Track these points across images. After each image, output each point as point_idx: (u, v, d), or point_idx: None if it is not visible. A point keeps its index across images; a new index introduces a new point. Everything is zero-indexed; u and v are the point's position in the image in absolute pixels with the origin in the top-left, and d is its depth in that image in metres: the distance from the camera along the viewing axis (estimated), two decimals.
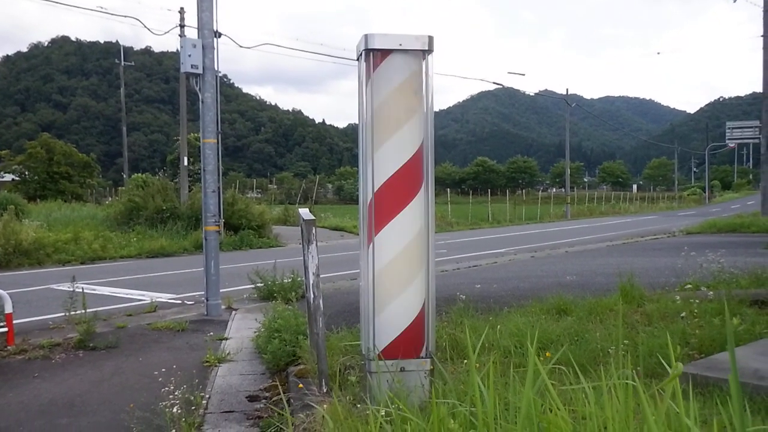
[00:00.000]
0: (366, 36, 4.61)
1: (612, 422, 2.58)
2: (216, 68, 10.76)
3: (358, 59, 4.85)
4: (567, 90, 56.32)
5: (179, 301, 11.75)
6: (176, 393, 5.18)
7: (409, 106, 4.66)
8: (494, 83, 51.30)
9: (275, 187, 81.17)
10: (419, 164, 4.72)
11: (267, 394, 6.08)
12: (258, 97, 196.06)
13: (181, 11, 28.75)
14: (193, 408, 5.37)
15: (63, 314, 8.89)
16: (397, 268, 4.67)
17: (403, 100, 4.65)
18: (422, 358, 4.69)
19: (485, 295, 10.01)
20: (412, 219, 4.69)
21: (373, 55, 4.65)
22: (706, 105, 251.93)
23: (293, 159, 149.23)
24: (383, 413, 3.34)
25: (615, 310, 7.67)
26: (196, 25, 10.77)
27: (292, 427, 4.22)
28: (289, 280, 10.91)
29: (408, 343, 4.69)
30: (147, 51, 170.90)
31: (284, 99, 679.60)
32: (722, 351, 5.74)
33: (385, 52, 4.64)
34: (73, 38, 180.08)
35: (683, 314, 7.12)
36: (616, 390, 2.73)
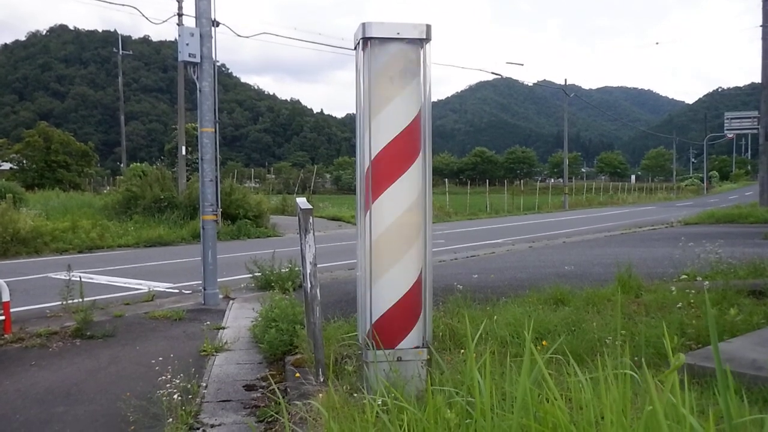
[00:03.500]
0: (363, 24, 4.58)
1: (609, 412, 2.58)
2: (214, 57, 10.72)
3: (355, 48, 4.82)
4: (565, 80, 56.29)
5: (177, 291, 11.74)
6: (173, 382, 5.18)
7: (406, 95, 4.64)
8: (493, 73, 51.30)
9: (273, 176, 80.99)
10: (415, 140, 4.70)
11: (264, 384, 6.07)
12: (256, 87, 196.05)
13: (179, 0, 28.63)
14: (190, 397, 5.37)
15: (60, 303, 8.90)
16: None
17: (401, 89, 4.62)
18: (419, 347, 4.68)
19: (483, 285, 10.01)
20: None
21: (371, 44, 4.62)
22: (705, 95, 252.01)
23: (291, 149, 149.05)
24: (380, 402, 3.33)
25: (612, 301, 7.67)
26: (194, 14, 10.75)
27: (289, 416, 4.21)
28: (287, 270, 10.90)
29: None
30: (145, 40, 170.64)
31: (282, 89, 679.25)
32: (720, 341, 5.74)
33: (382, 41, 4.61)
34: (71, 27, 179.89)
35: (679, 305, 7.12)
36: (614, 379, 2.72)
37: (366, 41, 4.61)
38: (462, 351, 5.36)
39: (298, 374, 5.67)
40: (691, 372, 4.60)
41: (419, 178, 4.70)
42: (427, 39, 4.65)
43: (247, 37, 25.33)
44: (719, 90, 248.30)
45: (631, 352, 5.20)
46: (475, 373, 2.91)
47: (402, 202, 4.62)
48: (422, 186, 4.73)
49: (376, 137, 4.62)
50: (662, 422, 2.18)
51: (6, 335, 7.97)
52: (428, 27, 4.63)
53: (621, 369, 2.83)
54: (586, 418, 2.65)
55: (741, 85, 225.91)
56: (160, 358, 6.74)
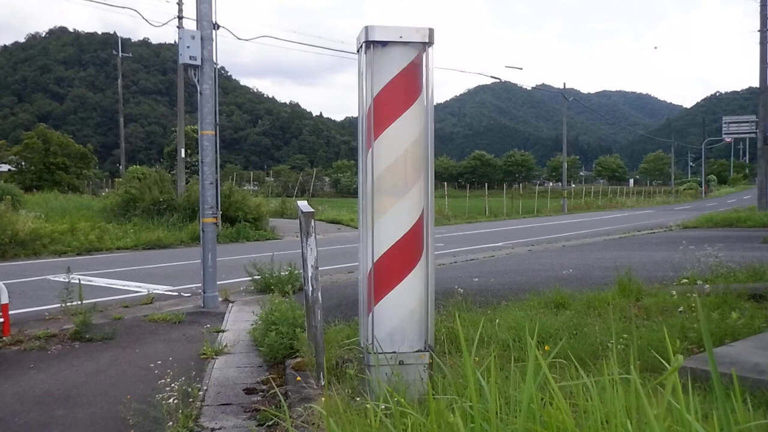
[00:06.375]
0: (366, 28, 4.58)
1: (614, 417, 2.56)
2: (214, 60, 10.72)
3: (358, 51, 4.82)
4: (564, 84, 56.49)
5: (176, 293, 11.72)
6: (173, 385, 5.17)
7: (409, 99, 4.63)
8: (492, 77, 51.40)
9: (272, 179, 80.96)
10: (419, 158, 4.70)
11: (264, 387, 6.06)
12: (255, 90, 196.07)
13: (180, 2, 28.63)
14: (190, 400, 5.35)
15: (59, 305, 8.85)
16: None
17: (404, 92, 4.62)
18: (421, 351, 4.67)
19: (483, 289, 10.00)
20: (409, 211, 4.69)
21: (374, 47, 4.62)
22: (703, 100, 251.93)
23: (290, 152, 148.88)
24: (382, 407, 3.32)
25: (613, 304, 7.66)
26: (194, 17, 10.76)
27: (290, 420, 4.20)
28: (286, 273, 10.88)
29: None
30: (145, 42, 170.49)
31: (282, 91, 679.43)
32: (721, 345, 5.73)
33: (385, 44, 4.61)
34: (71, 29, 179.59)
35: (681, 308, 7.11)
36: (617, 384, 2.71)
37: (369, 44, 4.61)
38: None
39: (298, 378, 5.65)
40: (693, 376, 4.59)
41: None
42: (430, 42, 4.65)
43: (247, 39, 25.30)
44: (717, 94, 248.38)
45: (633, 356, 5.19)
46: (471, 376, 2.89)
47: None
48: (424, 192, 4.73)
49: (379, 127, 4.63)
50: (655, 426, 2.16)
51: (4, 337, 7.94)
52: (431, 31, 4.63)
53: (624, 373, 2.82)
54: (592, 423, 2.64)
55: (739, 89, 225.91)
56: (160, 362, 6.72)
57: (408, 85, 4.64)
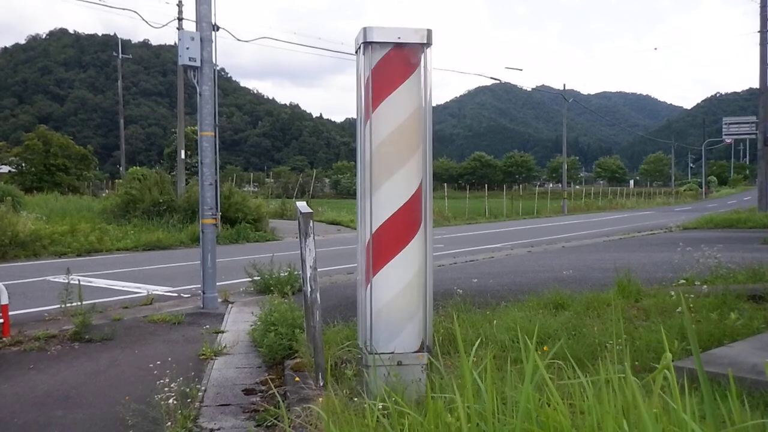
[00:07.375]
0: (365, 29, 4.59)
1: (610, 416, 2.57)
2: (214, 61, 10.74)
3: (356, 52, 4.83)
4: (564, 85, 56.62)
5: (175, 294, 11.73)
6: (172, 386, 5.17)
7: (408, 100, 4.64)
8: (491, 78, 51.43)
9: (272, 180, 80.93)
10: (418, 171, 4.71)
11: (263, 388, 6.06)
12: (255, 91, 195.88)
13: (180, 4, 28.66)
14: (189, 401, 5.36)
15: (59, 306, 8.86)
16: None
17: (403, 93, 4.63)
18: (419, 351, 4.68)
19: (482, 290, 10.01)
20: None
21: (372, 48, 4.62)
22: (703, 101, 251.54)
23: (290, 153, 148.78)
24: (380, 407, 3.32)
25: (612, 305, 7.66)
26: (194, 18, 10.79)
27: (289, 421, 4.20)
28: (286, 274, 10.89)
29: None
30: (145, 44, 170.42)
31: (281, 93, 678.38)
32: (720, 346, 5.74)
33: (384, 45, 4.62)
34: (71, 31, 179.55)
35: (679, 309, 7.11)
36: (613, 384, 2.72)
37: (367, 45, 4.61)
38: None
39: (297, 378, 5.66)
40: (691, 377, 4.60)
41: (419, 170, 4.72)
42: (428, 43, 4.66)
43: (247, 41, 25.27)
44: (717, 95, 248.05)
45: (631, 357, 5.20)
46: (469, 376, 2.89)
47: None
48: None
49: (377, 130, 4.64)
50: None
51: (4, 338, 7.94)
52: (429, 32, 4.64)
53: (621, 373, 2.82)
54: (588, 424, 2.64)
55: (739, 90, 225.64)
56: (159, 362, 6.72)
57: (407, 86, 4.65)
